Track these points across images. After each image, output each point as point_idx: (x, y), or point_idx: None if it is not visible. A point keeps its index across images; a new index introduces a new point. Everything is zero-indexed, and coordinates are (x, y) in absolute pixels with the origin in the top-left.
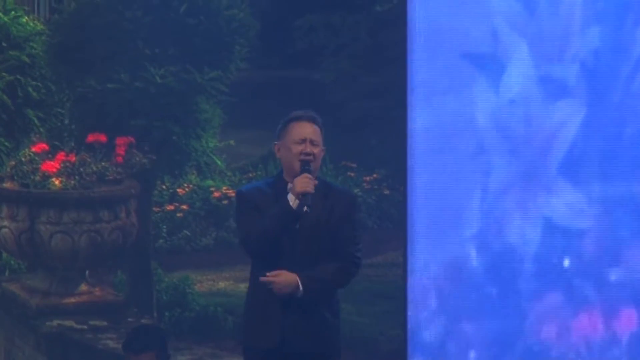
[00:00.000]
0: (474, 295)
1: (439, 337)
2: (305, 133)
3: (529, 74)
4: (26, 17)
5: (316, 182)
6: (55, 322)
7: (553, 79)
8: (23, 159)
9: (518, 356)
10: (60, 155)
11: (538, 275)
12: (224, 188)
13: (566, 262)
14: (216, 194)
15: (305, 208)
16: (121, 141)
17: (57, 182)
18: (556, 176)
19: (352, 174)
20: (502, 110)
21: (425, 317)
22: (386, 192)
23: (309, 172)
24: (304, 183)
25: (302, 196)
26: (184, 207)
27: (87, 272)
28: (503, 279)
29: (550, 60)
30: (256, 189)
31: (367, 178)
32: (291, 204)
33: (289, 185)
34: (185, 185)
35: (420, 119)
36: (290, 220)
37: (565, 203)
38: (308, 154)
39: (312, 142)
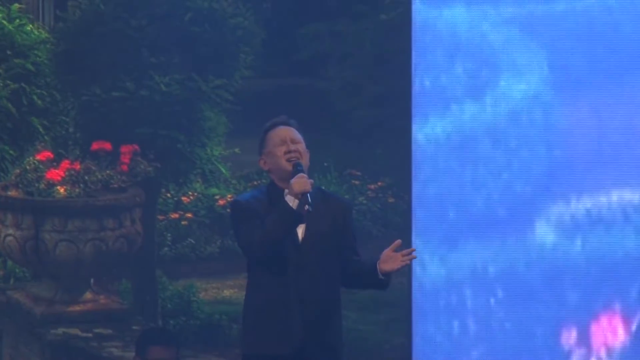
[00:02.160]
0: (480, 302)
1: (444, 345)
2: (283, 135)
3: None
4: (31, 25)
5: (312, 181)
6: (60, 330)
7: None
8: (28, 167)
9: None
10: (65, 164)
11: None
12: (229, 196)
13: None
14: (221, 202)
15: (307, 207)
16: (126, 149)
17: (61, 190)
18: None
19: (357, 182)
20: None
21: (429, 325)
22: (391, 200)
23: (302, 171)
24: (302, 183)
25: (301, 196)
26: (189, 215)
27: (91, 280)
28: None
29: None
30: (252, 197)
31: (372, 186)
32: (291, 204)
33: (285, 191)
34: (190, 193)
35: (424, 128)
36: (292, 221)
37: None
38: (292, 152)
39: (292, 141)
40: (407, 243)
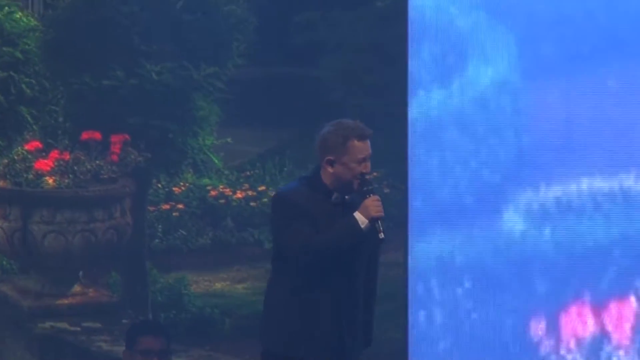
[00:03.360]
0: (474, 295)
1: (440, 337)
2: (366, 152)
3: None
4: (20, 13)
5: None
6: (48, 324)
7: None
8: (16, 157)
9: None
10: (54, 154)
11: None
12: (221, 187)
13: None
14: (213, 193)
15: (381, 235)
16: (116, 139)
17: (50, 181)
18: None
19: None
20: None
21: (425, 317)
22: (386, 190)
23: (376, 192)
24: (377, 207)
25: (376, 221)
26: (180, 206)
27: (80, 272)
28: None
29: None
30: (298, 192)
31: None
32: (360, 224)
33: (335, 194)
34: (182, 183)
35: (421, 117)
36: (357, 241)
37: None
38: (367, 174)
39: (369, 159)
40: (403, 234)
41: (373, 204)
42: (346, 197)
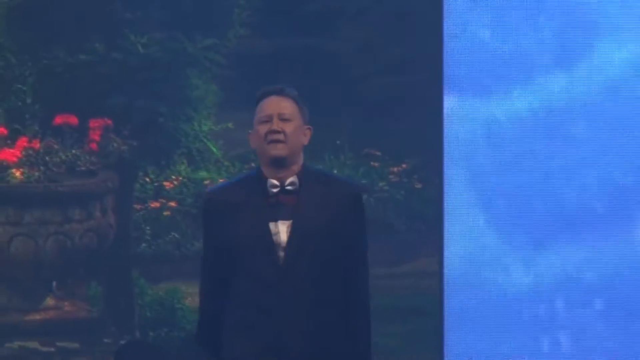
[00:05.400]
0: (521, 310)
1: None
2: (270, 109)
3: None
4: None
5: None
6: (16, 344)
7: None
8: None
9: None
10: (22, 142)
11: None
12: (221, 180)
13: None
14: None
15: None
16: (96, 124)
17: (17, 174)
18: None
19: (376, 164)
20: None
21: (465, 337)
22: (418, 185)
23: None
24: None
25: None
26: (172, 204)
27: (54, 283)
28: None
29: None
30: (226, 189)
31: (395, 169)
32: None
33: (269, 181)
34: (174, 177)
35: (460, 98)
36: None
37: None
38: (276, 132)
39: (280, 117)
40: (437, 238)
41: None
42: (287, 181)
